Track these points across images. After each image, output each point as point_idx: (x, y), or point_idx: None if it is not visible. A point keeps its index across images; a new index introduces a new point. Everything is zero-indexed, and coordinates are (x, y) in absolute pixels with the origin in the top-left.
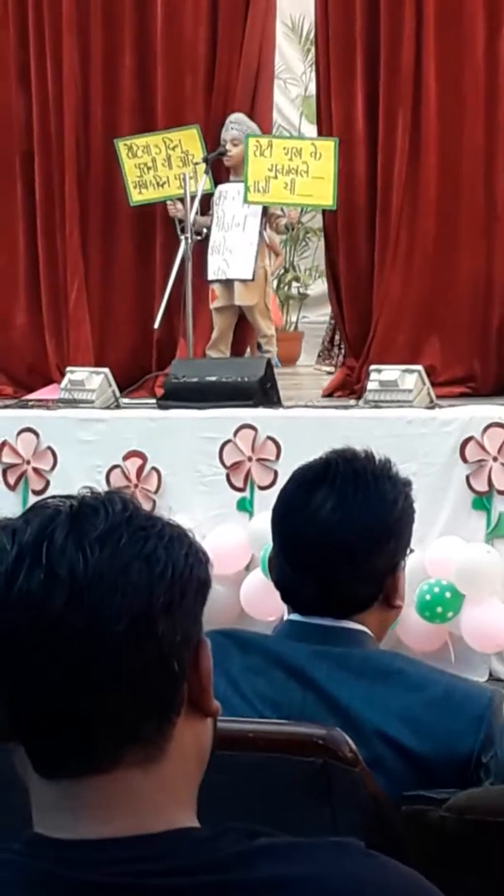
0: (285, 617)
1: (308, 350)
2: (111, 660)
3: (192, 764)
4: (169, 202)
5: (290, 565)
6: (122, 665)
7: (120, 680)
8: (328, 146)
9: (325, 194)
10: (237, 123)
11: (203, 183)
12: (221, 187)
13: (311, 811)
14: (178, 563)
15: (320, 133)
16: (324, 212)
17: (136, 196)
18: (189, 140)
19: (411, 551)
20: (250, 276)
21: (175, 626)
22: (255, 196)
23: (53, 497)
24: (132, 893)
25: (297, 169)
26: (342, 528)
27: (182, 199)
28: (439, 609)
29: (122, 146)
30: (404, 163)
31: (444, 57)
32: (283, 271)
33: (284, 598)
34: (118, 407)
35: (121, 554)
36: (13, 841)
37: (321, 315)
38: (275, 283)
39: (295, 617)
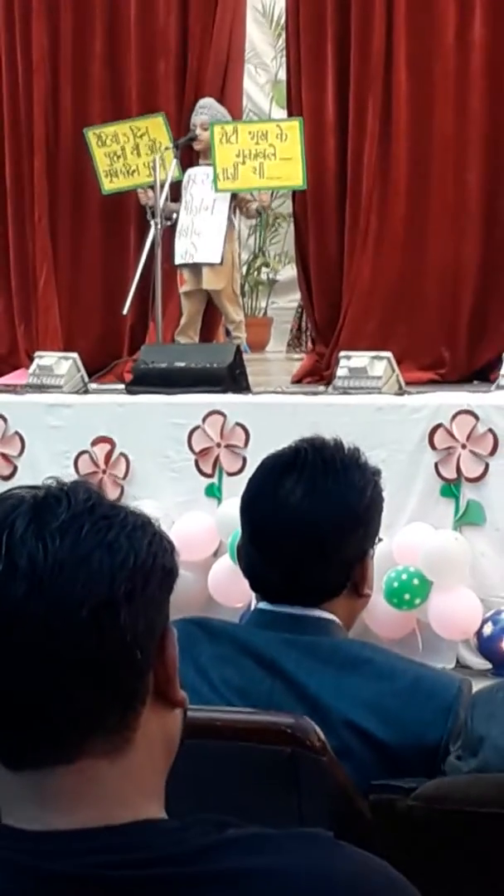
0: (253, 605)
1: (277, 336)
2: (73, 649)
3: (160, 754)
4: (140, 190)
5: (258, 554)
6: (84, 654)
7: (82, 669)
8: (293, 126)
9: (294, 175)
10: (207, 108)
11: (173, 169)
12: (191, 171)
13: (279, 800)
14: (140, 552)
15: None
16: (294, 197)
17: (108, 185)
18: (155, 128)
19: (380, 540)
20: (218, 260)
21: (138, 614)
22: (224, 184)
23: (19, 487)
24: (98, 885)
25: (264, 152)
26: (311, 516)
27: (153, 187)
28: (407, 596)
29: (91, 135)
30: (374, 148)
31: (414, 42)
32: (252, 257)
33: (253, 586)
34: (87, 392)
35: (82, 543)
36: None
37: (290, 301)
38: (244, 268)
39: (264, 605)
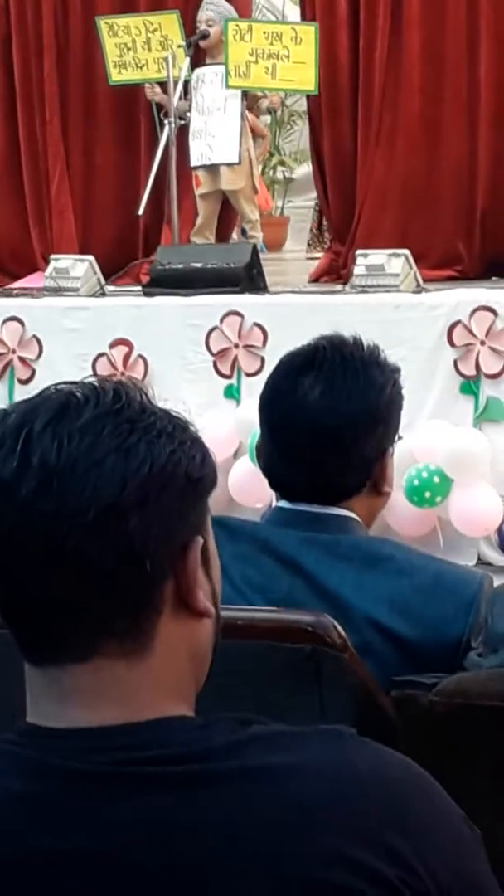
0: (273, 504)
1: (294, 235)
2: (78, 551)
3: (183, 660)
4: (147, 85)
5: (277, 452)
6: (88, 559)
7: (87, 572)
8: (309, 31)
9: (306, 79)
10: (213, 4)
11: (186, 67)
12: (198, 71)
13: (301, 698)
14: (158, 459)
15: (303, 14)
16: (308, 95)
17: (116, 76)
18: (168, 25)
19: (399, 438)
20: (236, 160)
21: (150, 522)
22: (236, 81)
23: (66, 383)
24: (121, 781)
25: (277, 54)
26: (330, 414)
27: (162, 84)
28: (427, 494)
29: (103, 24)
30: (385, 44)
31: None
32: (268, 155)
33: (273, 485)
34: (103, 294)
35: (99, 445)
36: (8, 730)
37: (307, 200)
38: (260, 167)
39: (283, 504)
